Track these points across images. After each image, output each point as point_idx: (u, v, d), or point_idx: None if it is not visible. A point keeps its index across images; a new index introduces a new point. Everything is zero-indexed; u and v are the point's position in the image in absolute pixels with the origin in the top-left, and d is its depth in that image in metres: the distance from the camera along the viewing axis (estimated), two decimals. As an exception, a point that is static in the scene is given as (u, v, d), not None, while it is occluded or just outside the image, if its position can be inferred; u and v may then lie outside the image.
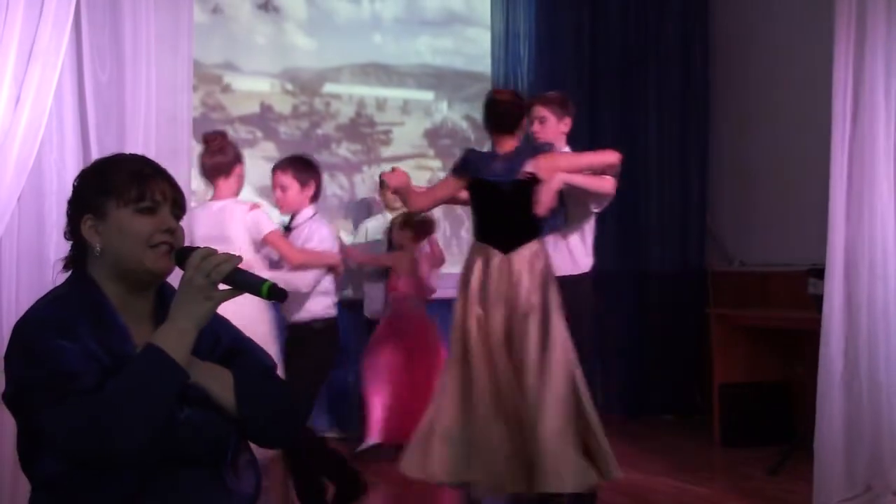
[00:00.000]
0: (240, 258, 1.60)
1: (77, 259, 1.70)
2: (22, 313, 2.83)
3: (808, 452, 4.48)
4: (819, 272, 4.64)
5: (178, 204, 1.70)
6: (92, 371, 1.50)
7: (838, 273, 3.55)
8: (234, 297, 1.61)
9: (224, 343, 1.73)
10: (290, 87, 5.83)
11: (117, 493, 1.50)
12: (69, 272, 1.72)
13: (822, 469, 3.54)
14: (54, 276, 1.74)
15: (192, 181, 3.38)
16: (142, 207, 1.64)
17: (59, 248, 2.93)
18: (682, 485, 4.43)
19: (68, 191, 2.93)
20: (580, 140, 6.21)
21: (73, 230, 1.70)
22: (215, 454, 1.63)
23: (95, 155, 2.98)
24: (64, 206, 2.92)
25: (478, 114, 6.26)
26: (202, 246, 1.65)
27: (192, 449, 1.58)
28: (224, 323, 1.77)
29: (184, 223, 1.72)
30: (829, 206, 3.58)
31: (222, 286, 1.60)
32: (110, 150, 2.87)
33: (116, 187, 1.65)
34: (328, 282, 3.76)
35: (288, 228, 3.80)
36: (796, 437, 4.68)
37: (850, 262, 3.55)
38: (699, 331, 5.74)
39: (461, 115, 6.29)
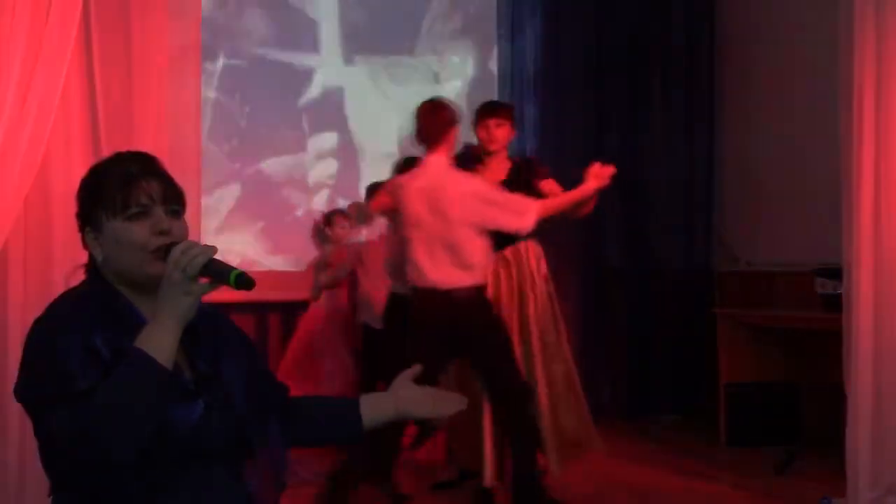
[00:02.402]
0: (214, 248, 1.56)
1: (92, 263, 1.69)
2: (29, 312, 2.88)
3: (814, 452, 4.50)
4: (827, 272, 4.64)
5: (171, 199, 1.65)
6: (90, 374, 1.48)
7: (867, 271, 3.48)
8: (213, 290, 1.57)
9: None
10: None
11: (135, 490, 1.50)
12: (87, 274, 1.71)
13: (852, 469, 3.50)
14: (66, 282, 1.72)
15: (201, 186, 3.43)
16: (130, 215, 1.61)
17: (66, 248, 2.96)
18: (688, 484, 4.43)
19: (75, 192, 2.98)
20: (588, 140, 6.27)
21: (82, 240, 1.70)
22: (235, 451, 1.63)
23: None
24: (70, 208, 2.96)
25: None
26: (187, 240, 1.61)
27: (211, 445, 1.58)
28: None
29: None
30: (852, 203, 3.50)
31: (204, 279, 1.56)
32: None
33: (104, 198, 1.62)
34: None
35: None
36: (802, 437, 4.68)
37: (879, 260, 3.49)
38: (705, 330, 5.72)
39: (469, 122, 6.30)
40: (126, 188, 1.61)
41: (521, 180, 3.91)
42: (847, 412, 3.52)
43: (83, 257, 2.90)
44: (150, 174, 1.64)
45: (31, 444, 2.80)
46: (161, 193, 1.63)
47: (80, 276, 1.72)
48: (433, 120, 3.69)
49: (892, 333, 3.50)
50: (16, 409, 2.86)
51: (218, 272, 1.55)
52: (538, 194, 3.85)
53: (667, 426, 5.97)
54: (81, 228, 1.68)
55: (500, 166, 4.00)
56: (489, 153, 3.98)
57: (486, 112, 4.00)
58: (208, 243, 1.58)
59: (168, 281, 1.53)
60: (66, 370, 1.48)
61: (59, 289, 2.85)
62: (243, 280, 1.53)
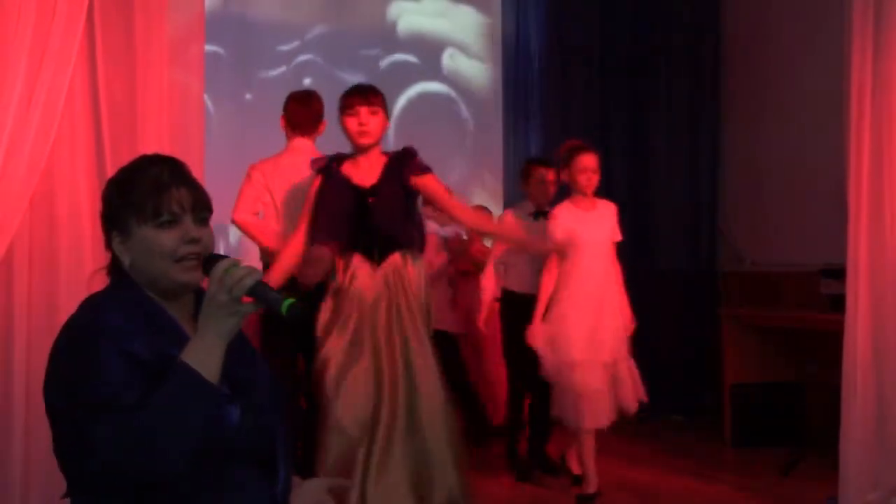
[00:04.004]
0: (261, 272, 1.58)
1: (117, 265, 1.69)
2: (34, 314, 2.88)
3: (819, 453, 4.48)
4: (832, 272, 4.63)
5: (200, 207, 1.67)
6: (134, 383, 1.48)
7: (863, 273, 3.48)
8: (259, 310, 1.58)
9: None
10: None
11: (161, 492, 1.50)
12: (111, 277, 1.71)
13: (847, 469, 3.50)
14: (90, 285, 1.72)
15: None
16: (161, 222, 1.62)
17: (70, 248, 2.96)
18: (693, 484, 4.42)
19: (80, 192, 2.97)
20: (593, 142, 6.22)
21: (106, 242, 1.69)
22: (262, 453, 1.65)
23: (108, 158, 2.98)
24: (75, 208, 2.95)
25: (490, 116, 6.32)
26: (226, 256, 1.63)
27: (242, 448, 1.60)
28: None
29: None
30: (849, 205, 3.51)
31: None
32: (123, 152, 2.88)
33: (135, 204, 1.62)
34: None
35: None
36: (808, 438, 4.66)
37: (875, 262, 3.49)
38: (711, 331, 5.72)
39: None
40: (158, 196, 1.63)
41: (393, 179, 3.24)
42: (842, 413, 3.52)
43: (87, 257, 2.90)
44: (180, 182, 1.66)
45: (36, 449, 2.82)
46: (191, 202, 1.65)
47: (101, 279, 1.71)
48: (308, 109, 3.95)
49: (888, 336, 3.48)
50: (20, 414, 2.85)
51: (267, 298, 1.56)
52: (411, 192, 3.25)
53: (671, 426, 5.96)
54: (107, 231, 1.69)
55: (374, 165, 3.28)
56: (362, 149, 3.25)
57: (358, 97, 3.22)
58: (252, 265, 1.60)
59: (213, 301, 1.54)
60: (108, 379, 1.48)
61: (63, 289, 2.89)
62: (295, 310, 1.54)
